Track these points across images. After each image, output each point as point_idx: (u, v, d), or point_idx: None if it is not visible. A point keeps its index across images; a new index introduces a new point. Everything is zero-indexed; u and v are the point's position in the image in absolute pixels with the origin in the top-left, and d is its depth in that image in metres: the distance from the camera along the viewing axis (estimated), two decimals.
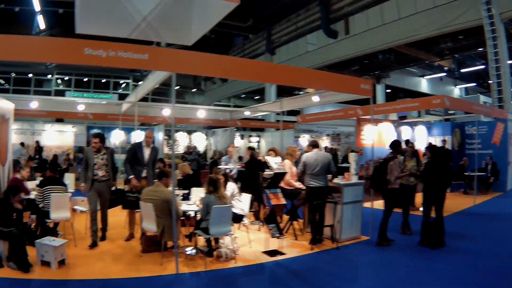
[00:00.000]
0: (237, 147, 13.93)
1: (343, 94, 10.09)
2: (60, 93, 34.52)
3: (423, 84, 33.08)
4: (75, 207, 9.92)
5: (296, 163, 9.76)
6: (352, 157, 9.36)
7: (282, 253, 7.79)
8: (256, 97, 41.21)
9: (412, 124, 17.67)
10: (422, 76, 32.64)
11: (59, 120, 23.77)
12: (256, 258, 7.57)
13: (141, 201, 7.40)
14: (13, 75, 35.58)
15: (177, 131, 22.93)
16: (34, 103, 12.65)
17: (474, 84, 35.11)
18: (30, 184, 9.87)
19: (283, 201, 8.65)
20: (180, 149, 22.16)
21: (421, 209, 11.46)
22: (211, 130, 23.74)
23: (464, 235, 9.61)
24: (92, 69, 36.16)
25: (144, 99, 12.18)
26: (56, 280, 6.17)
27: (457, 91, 36.17)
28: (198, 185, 10.39)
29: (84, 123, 22.01)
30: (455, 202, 13.44)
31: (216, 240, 7.59)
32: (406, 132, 16.60)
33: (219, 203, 7.09)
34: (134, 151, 8.74)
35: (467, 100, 19.15)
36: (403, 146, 11.18)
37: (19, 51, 6.07)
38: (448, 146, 17.26)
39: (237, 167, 11.34)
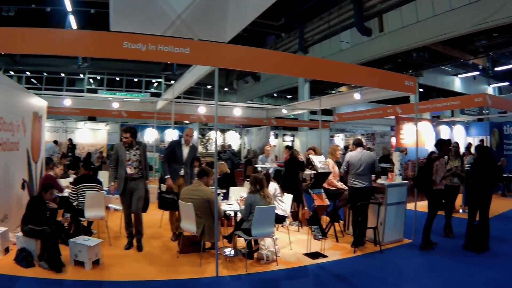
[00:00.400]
0: (275, 146, 13.69)
1: (385, 91, 9.78)
2: (92, 92, 34.37)
3: (457, 83, 32.37)
4: (109, 205, 9.70)
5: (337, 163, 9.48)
6: (396, 156, 9.01)
7: (324, 256, 7.50)
8: (289, 96, 40.72)
9: (450, 124, 17.22)
10: (456, 75, 31.92)
11: (92, 119, 23.92)
12: (298, 260, 7.28)
13: (180, 200, 7.12)
14: (45, 74, 36.00)
15: (210, 129, 22.76)
16: (67, 101, 12.62)
17: (507, 83, 34.22)
18: (64, 182, 9.82)
19: (326, 202, 8.32)
20: (213, 148, 21.95)
21: (460, 211, 11.16)
22: (245, 129, 23.49)
23: (506, 239, 9.23)
24: (124, 68, 36.53)
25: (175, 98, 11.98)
26: (90, 281, 5.95)
27: (490, 90, 35.26)
28: (233, 184, 10.19)
29: (118, 122, 22.00)
30: (493, 205, 12.90)
31: (256, 241, 7.34)
32: (444, 132, 16.18)
33: (263, 203, 6.79)
34: (173, 149, 8.38)
35: (509, 99, 18.59)
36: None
37: (56, 45, 5.94)
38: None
39: (275, 166, 11.08)
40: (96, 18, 24.99)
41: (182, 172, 8.40)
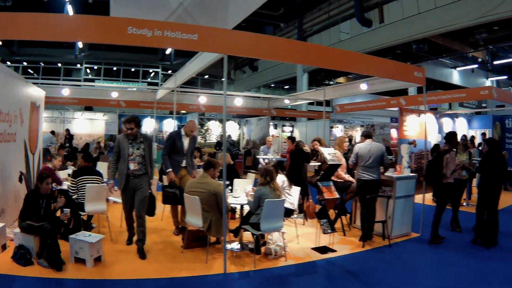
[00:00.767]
0: (277, 136, 13.51)
1: (392, 82, 9.59)
2: (90, 82, 34.35)
3: (455, 76, 32.21)
4: (109, 197, 9.26)
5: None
6: (404, 148, 8.81)
7: (333, 250, 7.31)
8: (286, 87, 40.33)
9: (453, 116, 17.09)
10: (454, 67, 31.78)
11: (88, 108, 23.64)
12: (307, 255, 7.07)
13: (186, 194, 6.85)
14: (42, 64, 35.83)
15: (208, 119, 22.49)
16: (65, 90, 12.36)
17: (505, 77, 34.14)
18: (62, 174, 9.48)
19: (336, 194, 8.09)
20: (213, 138, 21.66)
21: (465, 204, 11.01)
22: (244, 119, 23.18)
23: None
24: (121, 58, 36.43)
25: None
26: (91, 280, 5.62)
27: (488, 83, 35.16)
28: (237, 176, 9.97)
29: (115, 111, 21.72)
30: None
31: (263, 235, 7.07)
32: (447, 124, 16.04)
33: (272, 195, 6.55)
34: (173, 140, 8.06)
35: None
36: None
37: (57, 31, 5.62)
38: None
39: (277, 157, 10.89)
40: (94, 7, 24.70)
41: (184, 163, 8.13)
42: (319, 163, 9.64)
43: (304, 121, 25.41)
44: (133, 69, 38.62)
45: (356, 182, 8.35)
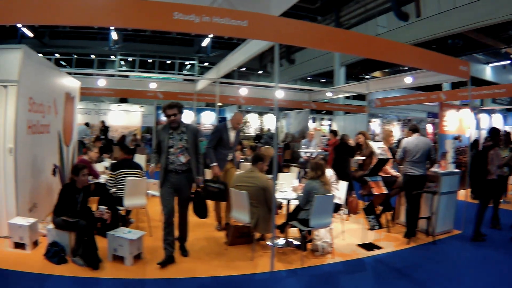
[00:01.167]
0: (319, 130, 13.34)
1: (437, 76, 9.42)
2: (125, 73, 34.08)
3: (487, 72, 31.68)
4: (148, 191, 8.96)
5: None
6: (449, 144, 8.58)
7: (378, 247, 7.17)
8: (322, 80, 39.84)
9: (489, 112, 16.74)
10: (487, 63, 31.26)
11: (123, 100, 23.54)
12: (353, 252, 6.93)
13: (232, 188, 6.65)
14: (75, 56, 35.72)
15: (247, 112, 22.29)
16: (101, 81, 12.30)
17: None
18: (99, 167, 9.32)
19: (384, 190, 7.88)
20: (251, 131, 21.48)
21: (502, 201, 10.80)
22: (283, 112, 22.90)
23: None
24: (156, 50, 36.20)
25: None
26: (131, 280, 5.35)
27: None
28: (280, 170, 9.88)
29: (152, 103, 20.97)
30: None
31: (309, 231, 6.89)
32: (484, 120, 15.72)
33: (322, 190, 6.37)
34: (219, 134, 7.84)
35: None
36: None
37: (96, 15, 5.28)
38: None
39: (319, 150, 10.72)
40: None
41: (230, 157, 7.97)
42: (363, 158, 9.44)
43: (341, 115, 25.14)
44: (168, 61, 38.14)
45: (402, 177, 8.14)
